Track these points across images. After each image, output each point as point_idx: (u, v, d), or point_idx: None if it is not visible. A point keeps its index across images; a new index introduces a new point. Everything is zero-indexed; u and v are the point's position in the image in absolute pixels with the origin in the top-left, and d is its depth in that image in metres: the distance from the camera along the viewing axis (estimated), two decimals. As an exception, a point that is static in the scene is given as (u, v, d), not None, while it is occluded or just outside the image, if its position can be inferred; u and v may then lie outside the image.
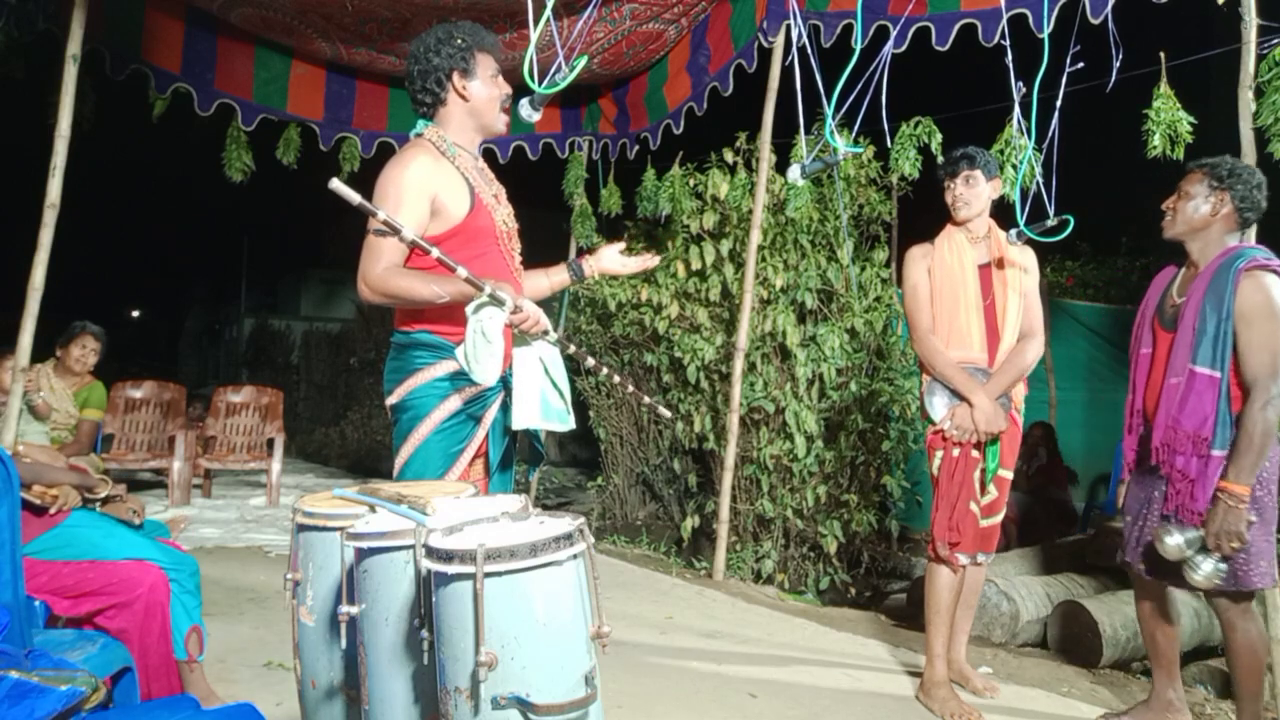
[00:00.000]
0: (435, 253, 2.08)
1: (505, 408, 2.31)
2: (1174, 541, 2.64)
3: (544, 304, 2.36)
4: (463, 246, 2.22)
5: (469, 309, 2.11)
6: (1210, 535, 2.61)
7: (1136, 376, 2.97)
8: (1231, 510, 2.58)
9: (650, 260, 2.74)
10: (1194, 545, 2.63)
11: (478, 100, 2.34)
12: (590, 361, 2.44)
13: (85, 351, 4.71)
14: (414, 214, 2.18)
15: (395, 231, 2.06)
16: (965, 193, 3.13)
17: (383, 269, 2.17)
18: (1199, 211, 2.80)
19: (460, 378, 2.23)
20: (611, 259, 2.68)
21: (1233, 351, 2.65)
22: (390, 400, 2.31)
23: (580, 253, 6.60)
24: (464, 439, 2.27)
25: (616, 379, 2.59)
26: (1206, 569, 2.62)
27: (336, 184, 1.92)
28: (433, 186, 2.23)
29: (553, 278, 2.65)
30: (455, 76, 2.32)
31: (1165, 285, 2.95)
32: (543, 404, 2.27)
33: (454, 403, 2.25)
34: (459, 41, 2.32)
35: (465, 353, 2.11)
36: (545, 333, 2.25)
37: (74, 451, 4.16)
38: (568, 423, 2.32)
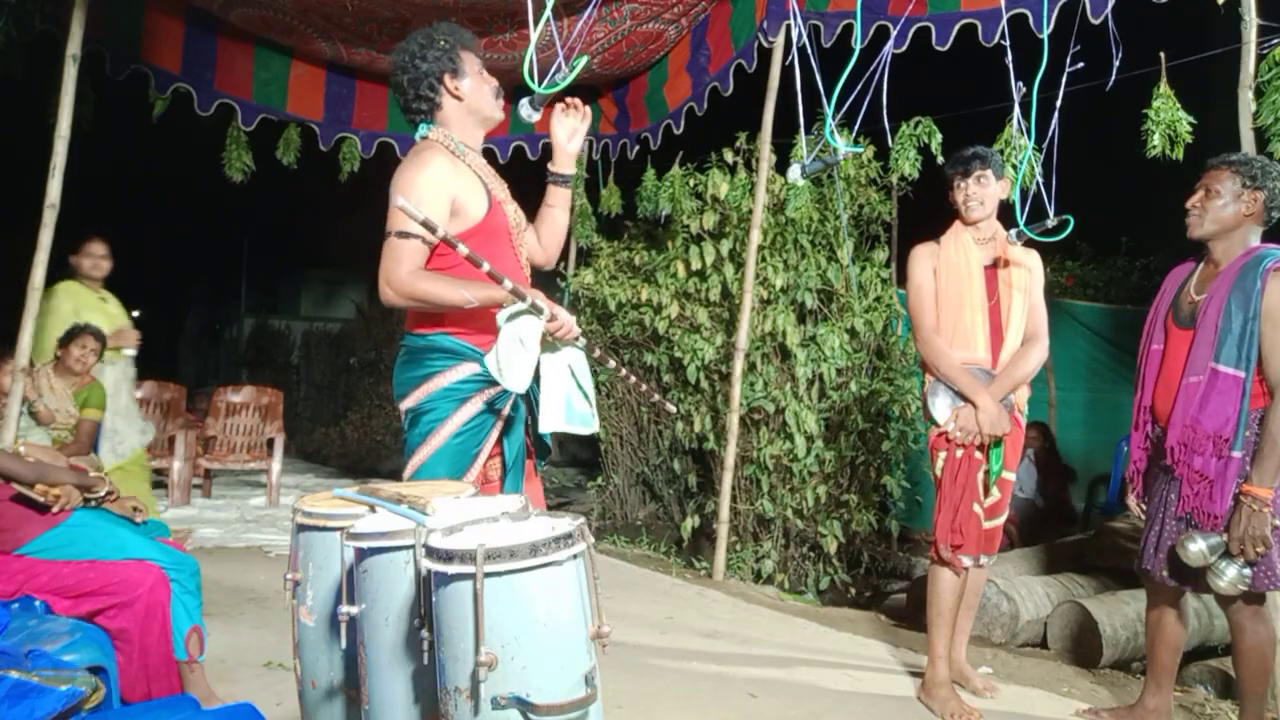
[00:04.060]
0: (486, 266, 2.06)
1: (518, 405, 2.31)
2: (1196, 548, 2.59)
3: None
4: (480, 246, 2.20)
5: (501, 317, 2.10)
6: (1234, 540, 2.56)
7: (1146, 373, 2.90)
8: (1255, 514, 2.52)
9: (576, 101, 2.52)
10: (1217, 551, 2.58)
11: (472, 98, 2.34)
12: (611, 363, 2.44)
13: (85, 351, 4.69)
14: (435, 217, 2.15)
15: (452, 246, 2.06)
16: (978, 192, 3.10)
17: (407, 272, 2.15)
18: (1228, 210, 2.71)
19: (479, 380, 2.22)
20: (560, 129, 2.52)
21: (1257, 351, 2.59)
22: (405, 405, 2.28)
23: (579, 251, 6.61)
24: (482, 439, 2.26)
25: (633, 379, 2.59)
26: (1230, 575, 2.56)
27: (403, 203, 1.98)
28: (452, 188, 2.22)
29: (557, 205, 2.56)
30: (447, 78, 2.31)
31: (1181, 281, 2.87)
32: (567, 408, 2.27)
33: (474, 406, 2.23)
34: (442, 43, 2.30)
35: (497, 360, 2.10)
36: (576, 339, 2.25)
37: (74, 451, 4.15)
38: (592, 425, 2.32)
